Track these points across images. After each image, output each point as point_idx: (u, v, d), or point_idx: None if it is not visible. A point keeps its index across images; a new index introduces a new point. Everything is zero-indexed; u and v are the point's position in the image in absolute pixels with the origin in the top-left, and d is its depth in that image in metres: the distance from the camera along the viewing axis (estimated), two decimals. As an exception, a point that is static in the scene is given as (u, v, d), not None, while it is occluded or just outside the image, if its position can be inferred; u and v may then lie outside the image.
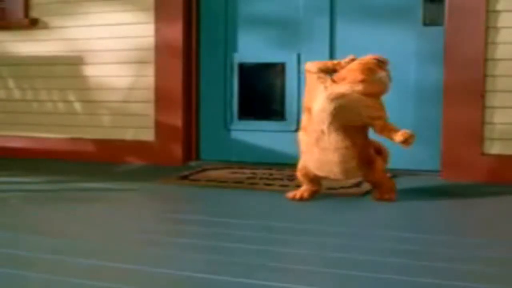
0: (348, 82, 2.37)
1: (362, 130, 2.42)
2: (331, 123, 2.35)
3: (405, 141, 2.31)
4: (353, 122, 2.37)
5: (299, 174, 2.51)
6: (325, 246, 1.81)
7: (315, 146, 2.41)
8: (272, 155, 3.41)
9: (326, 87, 2.39)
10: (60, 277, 1.52)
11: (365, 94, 2.35)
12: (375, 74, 2.38)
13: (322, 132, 2.37)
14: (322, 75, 2.43)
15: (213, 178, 2.99)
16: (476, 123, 2.92)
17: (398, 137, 2.32)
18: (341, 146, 2.36)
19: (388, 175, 2.56)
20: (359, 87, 2.35)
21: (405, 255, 1.71)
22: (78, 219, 2.19)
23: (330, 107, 2.35)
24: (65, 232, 2.00)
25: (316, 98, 2.40)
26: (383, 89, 2.40)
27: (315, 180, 2.49)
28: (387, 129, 2.36)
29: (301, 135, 2.50)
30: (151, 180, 2.97)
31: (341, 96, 2.35)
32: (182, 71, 3.48)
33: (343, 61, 2.46)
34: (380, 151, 2.50)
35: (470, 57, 2.91)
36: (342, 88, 2.37)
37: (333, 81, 2.42)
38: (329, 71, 2.46)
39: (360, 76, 2.36)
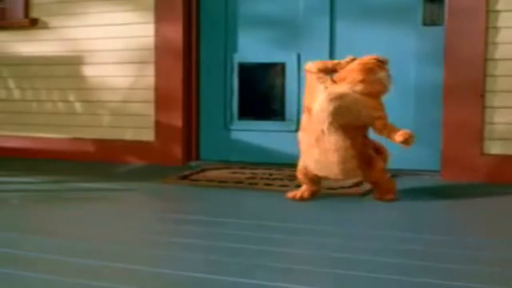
0: (348, 82, 2.38)
1: (362, 130, 2.42)
2: (331, 123, 2.35)
3: (405, 141, 2.31)
4: (353, 122, 2.37)
5: (299, 174, 2.51)
6: (325, 246, 1.81)
7: (315, 146, 2.41)
8: (272, 155, 3.41)
9: (326, 87, 2.39)
10: (60, 277, 1.52)
11: (365, 94, 2.36)
12: (375, 74, 2.38)
13: (322, 132, 2.37)
14: (322, 75, 2.43)
15: (213, 178, 2.99)
16: (476, 123, 2.92)
17: (398, 137, 2.32)
18: (341, 146, 2.36)
19: (388, 175, 2.56)
20: (359, 87, 2.35)
21: (405, 255, 1.71)
22: (78, 219, 2.19)
23: (329, 107, 2.35)
24: (65, 232, 2.00)
25: (316, 98, 2.40)
26: (383, 89, 2.40)
27: (315, 180, 2.49)
28: (387, 129, 2.36)
29: (301, 135, 2.49)
30: (151, 180, 2.97)
31: (341, 96, 2.35)
32: (182, 71, 3.48)
33: (343, 61, 2.46)
34: (380, 151, 2.50)
35: (470, 57, 2.91)
36: (342, 88, 2.37)
37: (333, 81, 2.42)
38: (329, 71, 2.46)
39: (360, 76, 2.36)
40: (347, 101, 2.35)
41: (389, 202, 2.43)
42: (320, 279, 1.52)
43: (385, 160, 2.52)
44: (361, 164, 2.39)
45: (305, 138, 2.46)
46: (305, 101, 2.49)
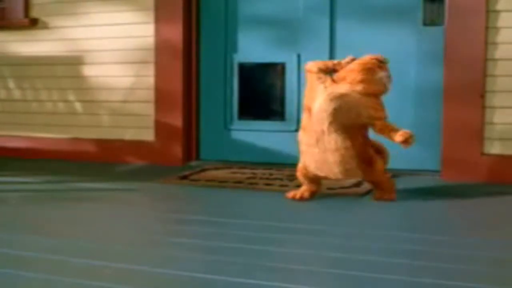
0: (348, 82, 2.38)
1: (362, 130, 2.42)
2: (331, 123, 2.35)
3: (405, 141, 2.31)
4: (353, 122, 2.37)
5: (299, 174, 2.51)
6: (325, 246, 1.81)
7: (315, 146, 2.40)
8: (272, 155, 3.41)
9: (326, 87, 2.39)
10: (60, 277, 1.52)
11: (365, 94, 2.36)
12: (375, 74, 2.38)
13: (322, 132, 2.37)
14: (322, 75, 2.43)
15: (213, 178, 2.99)
16: (476, 123, 2.92)
17: (398, 137, 2.32)
18: (341, 146, 2.36)
19: (388, 175, 2.56)
20: (359, 87, 2.35)
21: (405, 255, 1.71)
22: (78, 219, 2.19)
23: (329, 107, 2.35)
24: (65, 232, 2.00)
25: (316, 98, 2.40)
26: (382, 89, 2.40)
27: (315, 180, 2.49)
28: (387, 129, 2.36)
29: (301, 135, 2.49)
30: (151, 180, 2.97)
31: (341, 96, 2.35)
32: (182, 71, 3.48)
33: (343, 61, 2.46)
34: (380, 151, 2.50)
35: (470, 57, 2.91)
36: (342, 88, 2.37)
37: (333, 81, 2.42)
38: (329, 71, 2.46)
39: (359, 76, 2.36)
40: (347, 101, 2.35)
41: (389, 202, 2.43)
42: (320, 279, 1.52)
43: (385, 160, 2.52)
44: (361, 164, 2.39)
45: (305, 138, 2.46)
46: (305, 100, 2.49)
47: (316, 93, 2.40)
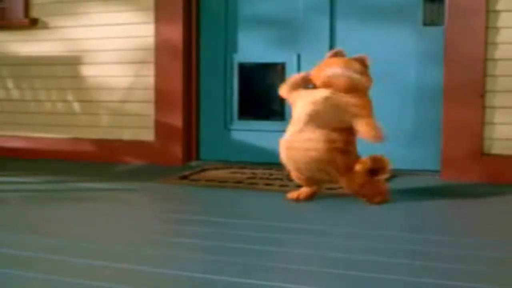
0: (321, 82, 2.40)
1: (344, 134, 2.38)
2: (306, 124, 2.36)
3: (370, 134, 2.30)
4: (333, 124, 2.36)
5: (293, 176, 2.51)
6: (325, 246, 1.81)
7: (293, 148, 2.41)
8: (272, 155, 3.41)
9: (307, 93, 2.41)
10: (60, 277, 1.52)
11: (340, 93, 2.36)
12: (327, 70, 2.38)
13: (300, 131, 2.37)
14: (297, 91, 2.45)
15: (213, 178, 2.99)
16: (476, 123, 2.92)
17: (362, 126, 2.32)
18: (314, 147, 2.34)
19: (380, 181, 2.44)
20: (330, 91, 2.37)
21: (405, 255, 1.71)
22: (78, 219, 2.19)
23: (307, 109, 2.35)
24: (65, 232, 2.00)
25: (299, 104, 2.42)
26: (344, 82, 2.37)
27: (311, 180, 2.47)
28: (361, 120, 2.33)
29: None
30: (151, 180, 2.97)
31: (325, 99, 2.35)
32: (182, 71, 3.48)
33: (312, 70, 2.47)
34: (378, 171, 2.38)
35: (470, 57, 2.91)
36: (323, 92, 2.37)
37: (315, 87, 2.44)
38: (302, 85, 2.47)
39: (322, 79, 2.39)
40: (328, 104, 2.34)
41: (379, 204, 2.40)
42: (320, 279, 1.52)
43: (383, 171, 2.44)
44: (339, 169, 2.36)
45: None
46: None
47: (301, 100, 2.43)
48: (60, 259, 1.68)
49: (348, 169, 2.36)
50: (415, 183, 2.86)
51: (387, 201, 2.42)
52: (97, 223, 2.14)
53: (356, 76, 2.37)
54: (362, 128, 2.32)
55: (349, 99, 2.35)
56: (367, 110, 2.36)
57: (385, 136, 2.34)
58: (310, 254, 1.74)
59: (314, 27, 3.32)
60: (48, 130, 3.84)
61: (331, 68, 2.39)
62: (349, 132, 2.37)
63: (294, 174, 2.49)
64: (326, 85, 2.39)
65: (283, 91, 2.50)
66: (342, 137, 2.36)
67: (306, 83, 2.47)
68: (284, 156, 2.45)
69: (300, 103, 2.40)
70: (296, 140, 2.39)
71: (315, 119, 2.35)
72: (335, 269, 1.59)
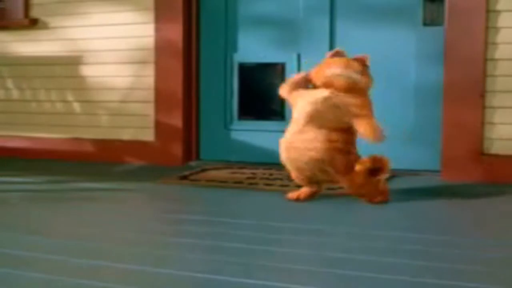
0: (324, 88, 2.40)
1: (344, 134, 2.38)
2: (307, 123, 2.36)
3: (369, 132, 2.31)
4: (333, 124, 2.36)
5: (293, 176, 2.51)
6: (325, 246, 1.81)
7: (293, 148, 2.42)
8: (272, 155, 3.41)
9: (307, 93, 2.41)
10: (60, 277, 1.52)
11: (338, 93, 2.36)
12: (327, 70, 2.38)
13: (300, 131, 2.37)
14: (297, 91, 2.45)
15: (213, 178, 2.99)
16: (476, 123, 2.92)
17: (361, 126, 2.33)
18: (314, 147, 2.35)
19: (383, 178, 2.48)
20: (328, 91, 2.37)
21: (405, 255, 1.71)
22: (78, 219, 2.19)
23: (307, 108, 2.36)
24: (65, 232, 2.00)
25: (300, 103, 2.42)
26: (344, 82, 2.37)
27: (311, 180, 2.47)
28: (360, 120, 2.34)
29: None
30: (151, 180, 2.97)
31: (324, 99, 2.35)
32: (182, 71, 3.48)
33: (311, 71, 2.47)
34: (378, 171, 2.38)
35: (470, 57, 2.91)
36: (323, 93, 2.37)
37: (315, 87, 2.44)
38: (302, 85, 2.47)
39: (321, 79, 2.39)
40: (328, 104, 2.34)
41: (380, 204, 2.40)
42: (320, 279, 1.52)
43: (383, 171, 2.44)
44: (339, 169, 2.36)
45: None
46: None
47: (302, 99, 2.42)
48: (60, 259, 1.68)
49: (348, 169, 2.36)
50: (415, 183, 2.86)
51: (387, 201, 2.42)
52: (97, 223, 2.14)
53: (356, 76, 2.37)
54: (362, 128, 2.33)
55: (349, 99, 2.35)
56: (367, 110, 2.36)
57: (386, 136, 2.34)
58: (310, 254, 1.74)
59: (314, 27, 3.32)
60: (48, 130, 3.84)
61: (331, 68, 2.39)
62: (349, 132, 2.38)
63: (294, 174, 2.49)
64: (326, 85, 2.39)
65: (283, 91, 2.51)
66: (342, 137, 2.36)
67: (306, 83, 2.47)
68: (284, 156, 2.46)
69: (300, 103, 2.41)
70: (296, 140, 2.39)
71: (315, 119, 2.36)
72: (335, 269, 1.59)
